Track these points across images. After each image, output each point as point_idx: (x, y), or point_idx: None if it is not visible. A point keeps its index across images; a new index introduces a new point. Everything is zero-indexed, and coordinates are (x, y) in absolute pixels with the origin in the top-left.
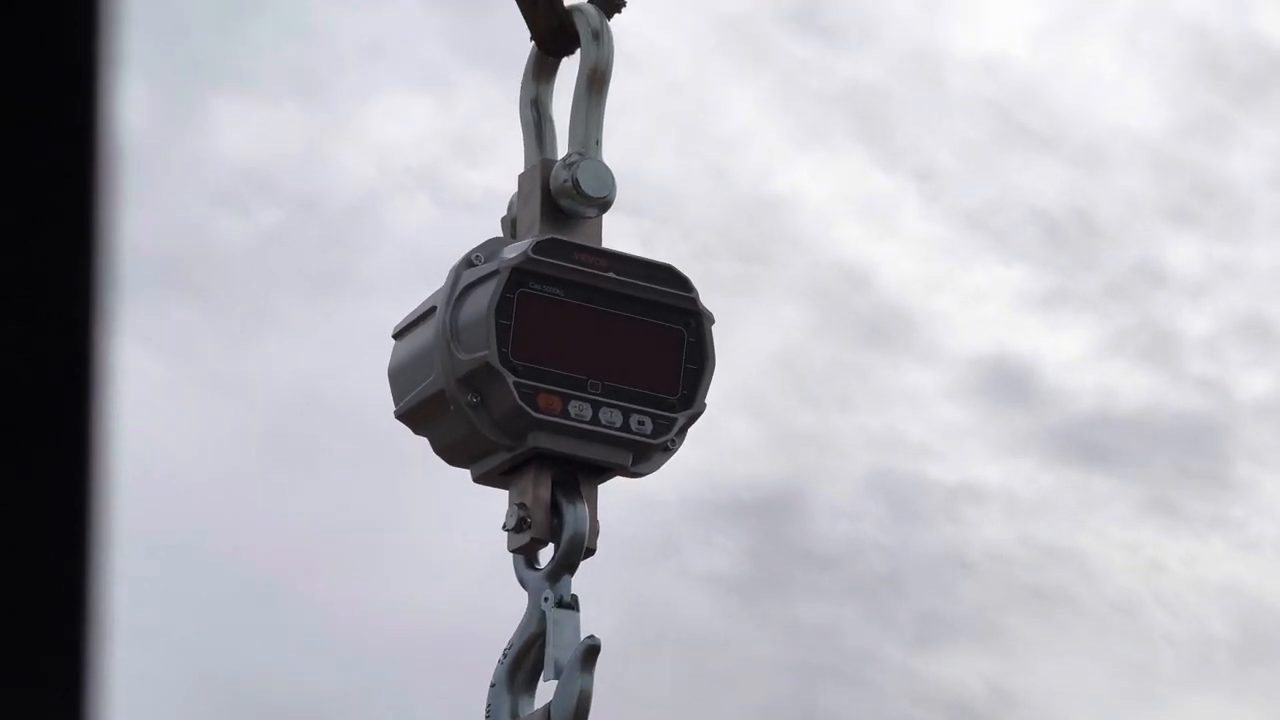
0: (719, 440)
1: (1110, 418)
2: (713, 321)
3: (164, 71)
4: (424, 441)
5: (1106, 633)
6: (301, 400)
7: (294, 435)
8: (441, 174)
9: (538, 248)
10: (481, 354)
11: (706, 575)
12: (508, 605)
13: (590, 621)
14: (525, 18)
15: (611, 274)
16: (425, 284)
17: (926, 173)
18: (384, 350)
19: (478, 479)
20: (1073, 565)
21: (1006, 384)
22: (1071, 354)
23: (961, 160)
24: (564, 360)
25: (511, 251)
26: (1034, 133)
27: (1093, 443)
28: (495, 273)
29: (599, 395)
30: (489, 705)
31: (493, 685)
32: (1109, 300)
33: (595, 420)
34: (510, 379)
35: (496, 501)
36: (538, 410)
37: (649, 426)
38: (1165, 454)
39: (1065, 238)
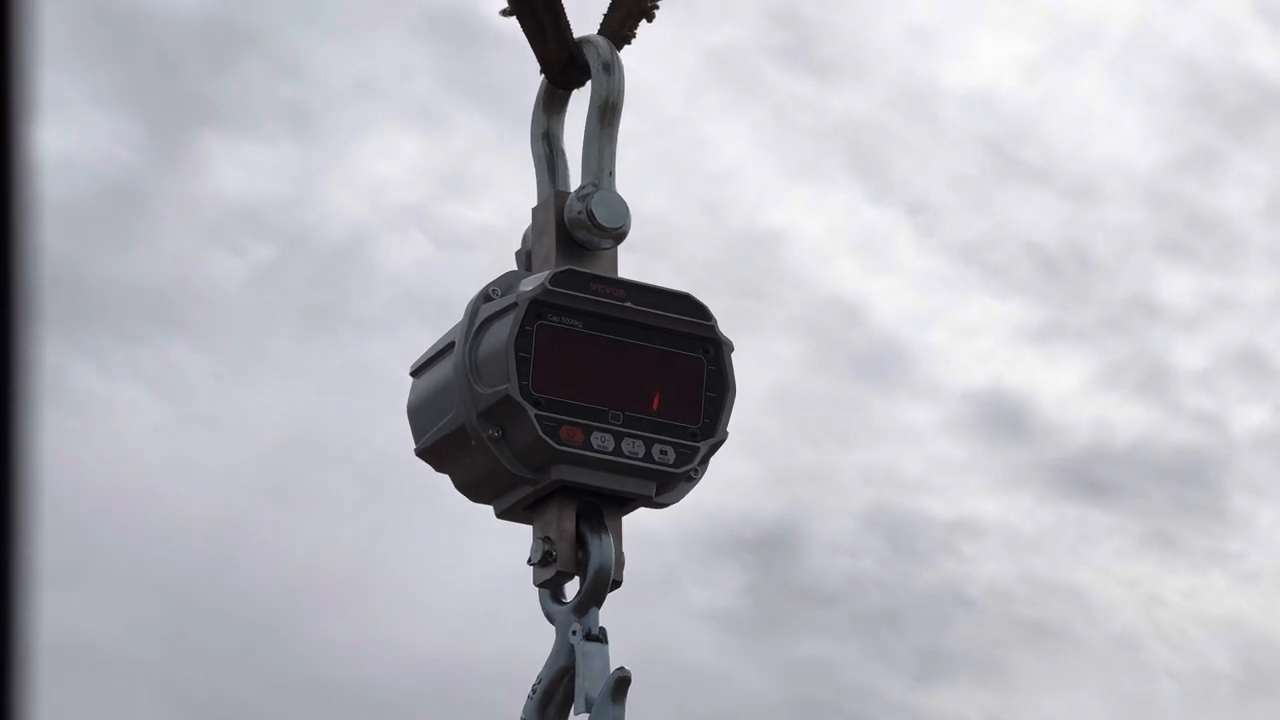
0: (716, 476)
1: (1106, 451)
2: (732, 349)
3: (157, 110)
4: (419, 480)
5: (1108, 667)
6: (297, 439)
7: (289, 474)
8: (434, 210)
9: (555, 279)
10: (502, 387)
11: (706, 612)
12: (502, 644)
13: None
14: (535, 51)
15: (629, 304)
16: (420, 320)
17: (920, 207)
18: (379, 388)
19: (500, 514)
20: (1072, 600)
21: (1002, 418)
22: (1067, 387)
23: (955, 194)
24: (585, 391)
25: (529, 284)
26: (1027, 167)
27: (1090, 476)
28: (513, 305)
29: (621, 426)
30: None
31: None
32: (1104, 333)
33: (618, 451)
34: (532, 411)
35: (491, 541)
36: (560, 442)
37: (671, 456)
38: (1162, 487)
39: (1059, 271)
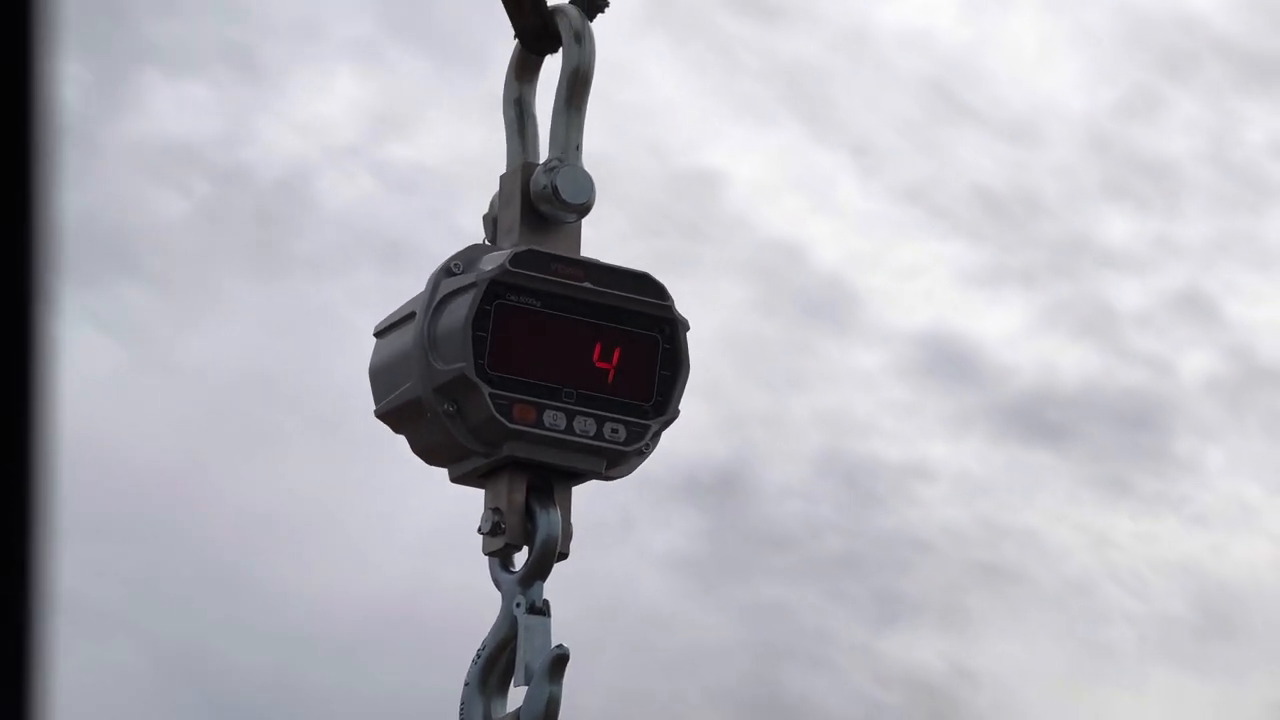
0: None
1: (1053, 394)
2: (687, 328)
3: (97, 48)
4: (374, 424)
5: (1064, 611)
6: (250, 381)
7: (242, 416)
8: (375, 151)
9: (515, 260)
10: (459, 365)
11: (663, 556)
12: (456, 585)
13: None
14: (510, 16)
15: (588, 284)
16: (369, 260)
17: (864, 149)
18: (331, 331)
19: (455, 479)
20: (1027, 543)
21: (949, 361)
22: (1010, 330)
23: (899, 136)
24: (540, 370)
25: (489, 264)
26: (969, 109)
27: (1038, 419)
28: (473, 285)
29: (573, 404)
30: (463, 703)
31: (467, 684)
32: (1047, 276)
33: (570, 429)
34: (486, 390)
35: (446, 488)
36: (513, 420)
37: (622, 434)
38: (1111, 430)
39: (1002, 213)
